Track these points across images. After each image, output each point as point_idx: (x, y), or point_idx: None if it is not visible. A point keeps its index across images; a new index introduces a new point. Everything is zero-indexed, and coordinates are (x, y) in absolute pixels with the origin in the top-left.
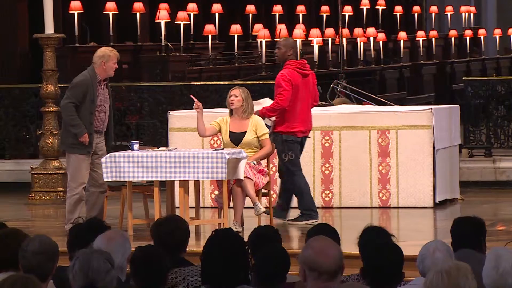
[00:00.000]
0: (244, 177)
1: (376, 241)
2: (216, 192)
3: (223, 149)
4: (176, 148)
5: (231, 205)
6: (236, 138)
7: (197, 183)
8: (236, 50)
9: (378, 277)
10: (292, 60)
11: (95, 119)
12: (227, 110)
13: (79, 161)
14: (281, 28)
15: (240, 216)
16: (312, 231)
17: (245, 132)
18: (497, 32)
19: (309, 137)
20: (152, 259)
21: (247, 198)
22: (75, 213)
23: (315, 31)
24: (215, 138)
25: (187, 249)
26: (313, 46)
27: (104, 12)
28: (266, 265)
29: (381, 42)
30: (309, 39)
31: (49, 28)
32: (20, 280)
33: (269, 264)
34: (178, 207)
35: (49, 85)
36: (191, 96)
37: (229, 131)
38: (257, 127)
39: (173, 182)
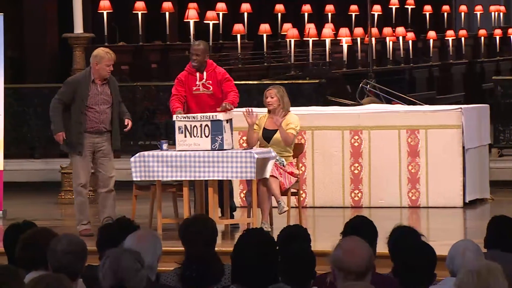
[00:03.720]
0: (270, 175)
1: (406, 241)
2: (245, 191)
3: (251, 148)
4: None
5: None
6: (268, 135)
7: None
8: (265, 50)
9: (410, 277)
10: (211, 60)
11: (87, 120)
12: (258, 109)
13: (75, 162)
14: (310, 28)
15: (267, 215)
16: (349, 224)
17: (277, 130)
18: None
19: None
20: (207, 262)
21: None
22: (83, 213)
23: (344, 31)
24: (244, 138)
25: (215, 249)
26: (342, 45)
27: (133, 12)
28: (291, 265)
29: (410, 42)
30: (338, 38)
31: (78, 28)
32: (53, 280)
33: (294, 265)
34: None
35: None
36: (247, 111)
37: (264, 128)
38: (288, 124)
39: (202, 181)
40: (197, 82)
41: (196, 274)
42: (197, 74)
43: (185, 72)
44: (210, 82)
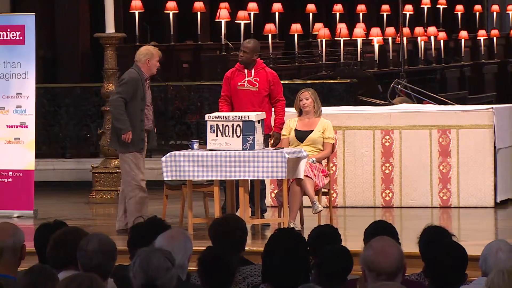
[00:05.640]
0: (304, 175)
1: (437, 240)
2: (276, 191)
3: (283, 148)
4: None
5: None
6: (302, 135)
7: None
8: (296, 49)
9: (441, 277)
10: (261, 59)
11: (145, 117)
12: (290, 110)
13: (135, 158)
14: (342, 27)
15: (296, 215)
16: (369, 228)
17: (312, 130)
18: None
19: None
20: (221, 260)
21: (305, 197)
22: (141, 211)
23: (375, 30)
24: None
25: (246, 248)
26: (373, 45)
27: (165, 12)
28: (330, 264)
29: (442, 41)
30: (369, 38)
31: (110, 28)
32: (86, 279)
33: (333, 264)
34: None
35: (110, 84)
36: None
37: (295, 129)
38: (325, 129)
39: (233, 181)
40: (245, 78)
41: (208, 275)
42: (245, 70)
43: (234, 69)
44: (258, 79)
